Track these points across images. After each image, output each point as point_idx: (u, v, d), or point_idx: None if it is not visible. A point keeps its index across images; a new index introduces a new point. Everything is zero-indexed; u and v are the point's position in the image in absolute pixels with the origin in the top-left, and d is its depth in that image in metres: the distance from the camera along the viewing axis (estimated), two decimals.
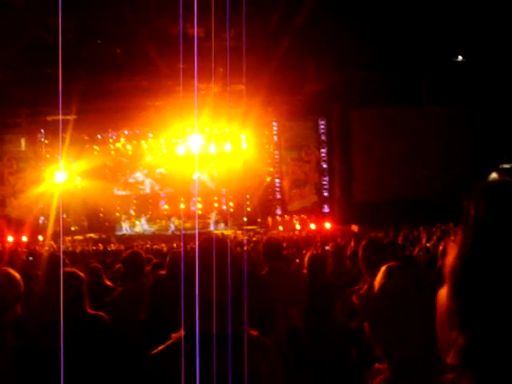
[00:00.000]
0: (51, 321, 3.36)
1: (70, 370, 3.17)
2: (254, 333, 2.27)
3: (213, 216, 29.27)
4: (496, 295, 1.58)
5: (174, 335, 2.26)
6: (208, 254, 2.20)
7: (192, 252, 2.27)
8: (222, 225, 29.27)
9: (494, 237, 1.65)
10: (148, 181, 31.39)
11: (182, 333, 2.22)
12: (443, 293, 1.77)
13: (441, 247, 7.34)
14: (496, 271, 1.59)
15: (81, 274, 4.04)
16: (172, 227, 29.13)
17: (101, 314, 4.01)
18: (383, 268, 3.30)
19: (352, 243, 9.55)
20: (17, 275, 3.86)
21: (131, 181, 31.47)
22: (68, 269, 4.26)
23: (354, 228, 19.77)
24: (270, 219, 27.94)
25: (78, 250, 17.15)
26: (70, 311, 3.75)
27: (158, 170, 30.99)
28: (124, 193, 31.47)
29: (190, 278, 2.19)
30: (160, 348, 2.26)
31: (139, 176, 31.39)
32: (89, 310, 3.96)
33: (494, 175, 24.52)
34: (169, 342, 2.26)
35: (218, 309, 2.13)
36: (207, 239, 2.30)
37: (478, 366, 1.56)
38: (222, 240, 2.27)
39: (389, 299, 2.29)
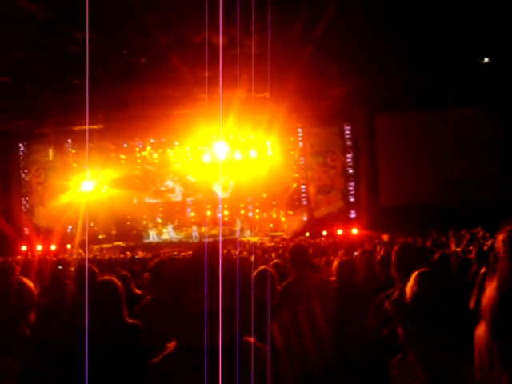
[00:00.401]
0: (89, 328, 3.37)
1: (105, 379, 3.19)
2: (250, 340, 2.24)
3: (238, 223, 29.31)
4: None
5: (168, 345, 2.24)
6: (202, 263, 2.18)
7: (193, 261, 2.27)
8: (247, 232, 29.31)
9: None
10: (178, 188, 31.50)
11: (177, 342, 2.21)
12: (481, 331, 1.74)
13: (473, 251, 7.29)
14: None
15: (117, 282, 4.06)
16: (194, 234, 29.26)
17: (138, 322, 4.02)
18: (415, 274, 3.28)
19: (382, 250, 9.50)
20: (30, 284, 3.88)
21: (162, 189, 31.59)
22: (106, 277, 4.27)
23: (385, 237, 19.60)
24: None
25: (106, 257, 17.27)
26: (109, 319, 3.78)
27: (187, 177, 31.09)
28: (155, 201, 31.61)
29: (184, 288, 2.19)
30: (157, 358, 2.25)
31: (170, 184, 31.50)
32: (127, 319, 3.97)
33: None
34: (165, 352, 2.24)
35: (211, 319, 2.11)
36: (200, 249, 2.28)
37: None
38: (215, 249, 2.24)
39: (421, 306, 2.28)
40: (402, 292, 3.83)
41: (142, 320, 4.15)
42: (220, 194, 30.64)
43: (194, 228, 29.59)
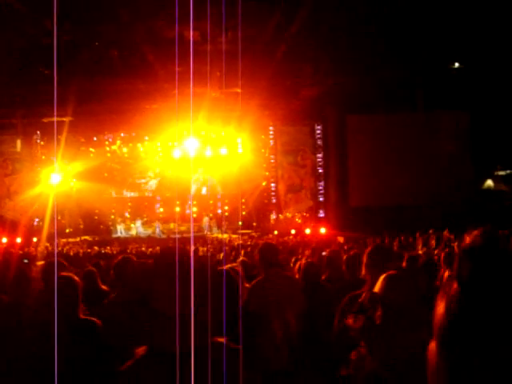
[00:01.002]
0: (46, 324, 3.35)
1: (61, 373, 3.16)
2: (221, 340, 2.22)
3: (205, 221, 29.27)
4: (482, 356, 1.57)
5: (137, 350, 2.20)
6: (171, 261, 2.14)
7: (152, 259, 2.24)
8: (215, 228, 29.29)
9: (478, 298, 1.64)
10: (153, 182, 31.47)
11: (145, 348, 2.18)
12: (433, 347, 1.75)
13: (443, 254, 7.36)
14: (481, 332, 1.58)
15: (76, 278, 4.04)
16: (158, 230, 29.21)
17: (93, 319, 4.00)
18: (383, 276, 3.30)
19: (341, 252, 9.55)
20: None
21: (138, 182, 31.51)
22: (64, 273, 4.24)
23: (340, 239, 19.70)
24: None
25: (72, 252, 17.10)
26: (63, 315, 3.75)
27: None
28: (132, 194, 31.50)
29: (152, 288, 2.17)
30: (127, 364, 2.19)
31: (148, 177, 31.45)
32: (81, 315, 3.95)
33: (489, 182, 24.63)
34: (135, 358, 2.19)
35: (181, 321, 2.08)
36: (169, 247, 2.25)
37: None
38: (182, 250, 2.21)
39: (391, 310, 2.28)
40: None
41: (105, 318, 4.12)
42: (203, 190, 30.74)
43: (158, 224, 29.50)
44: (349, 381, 2.94)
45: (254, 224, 28.92)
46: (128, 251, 16.05)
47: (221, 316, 2.20)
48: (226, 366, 2.08)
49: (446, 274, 5.36)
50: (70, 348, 3.68)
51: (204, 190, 31.21)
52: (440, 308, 1.68)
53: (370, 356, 2.29)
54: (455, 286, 1.69)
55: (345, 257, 6.55)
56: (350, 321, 2.74)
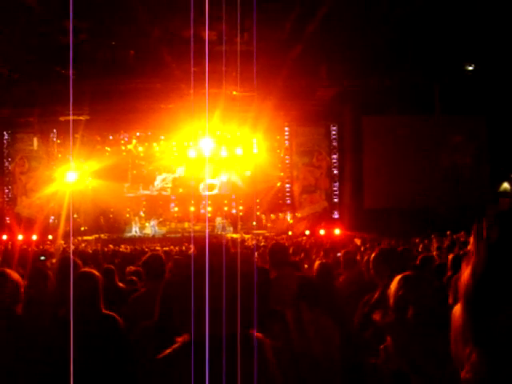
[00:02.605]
0: (66, 318, 3.38)
1: (81, 367, 3.19)
2: (258, 335, 2.26)
3: (218, 220, 29.30)
4: (508, 313, 1.60)
5: (178, 339, 2.25)
6: (216, 256, 2.20)
7: (198, 255, 2.28)
8: (230, 228, 29.30)
9: (505, 259, 1.67)
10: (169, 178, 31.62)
11: (187, 337, 2.22)
12: (457, 309, 1.79)
13: (450, 257, 7.30)
14: (508, 291, 1.61)
15: (97, 273, 4.08)
16: (154, 229, 29.32)
17: (113, 314, 4.04)
18: (398, 278, 3.29)
19: (357, 254, 9.53)
20: (15, 275, 3.84)
21: (156, 183, 31.61)
22: (86, 268, 4.29)
23: (357, 241, 19.67)
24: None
25: (90, 250, 17.17)
26: (85, 310, 3.79)
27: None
28: (147, 192, 31.60)
29: (197, 282, 2.19)
30: (167, 352, 2.26)
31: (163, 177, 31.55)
32: (103, 310, 3.99)
33: (505, 185, 24.48)
34: (175, 346, 2.25)
35: (223, 312, 2.14)
36: (216, 242, 2.31)
37: (491, 381, 1.58)
38: (230, 243, 2.27)
39: (408, 312, 2.29)
40: (383, 294, 3.86)
41: (135, 311, 4.17)
42: (239, 183, 30.74)
43: (152, 223, 29.60)
44: (375, 371, 2.94)
45: (269, 224, 28.91)
46: (147, 250, 16.08)
47: (253, 309, 2.24)
48: (259, 359, 2.13)
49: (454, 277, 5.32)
50: (93, 342, 3.72)
51: (216, 190, 31.21)
52: (467, 271, 1.72)
53: (396, 352, 2.30)
54: (483, 248, 1.74)
55: (365, 258, 6.53)
56: (377, 316, 2.75)
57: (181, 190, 31.28)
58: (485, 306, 1.64)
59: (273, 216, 28.59)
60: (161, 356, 2.27)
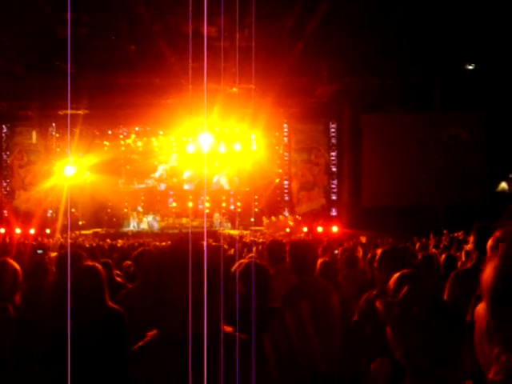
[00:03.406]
0: (72, 314, 3.38)
1: (87, 360, 3.19)
2: (229, 329, 2.25)
3: (215, 216, 29.30)
4: None
5: (148, 333, 2.26)
6: (183, 252, 2.19)
7: (166, 251, 2.29)
8: (228, 224, 29.30)
9: None
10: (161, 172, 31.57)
11: (157, 331, 2.23)
12: (481, 309, 1.77)
13: (443, 256, 7.30)
14: None
15: (100, 267, 4.08)
16: (152, 223, 29.31)
17: (119, 308, 4.05)
18: (397, 275, 3.30)
19: (360, 251, 9.53)
20: (15, 265, 3.85)
21: (156, 175, 31.58)
22: (89, 262, 4.30)
23: (362, 239, 19.69)
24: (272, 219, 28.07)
25: (87, 244, 17.18)
26: (91, 303, 3.80)
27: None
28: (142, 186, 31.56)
29: (165, 278, 2.20)
30: (137, 345, 2.26)
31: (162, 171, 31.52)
32: (110, 303, 4.00)
33: (503, 185, 24.50)
34: (145, 340, 2.26)
35: (194, 308, 2.12)
36: (182, 238, 2.31)
37: None
38: (193, 239, 2.26)
39: (412, 308, 2.29)
40: (382, 291, 3.86)
41: (124, 308, 4.17)
42: (226, 186, 30.72)
43: (150, 218, 29.60)
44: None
45: (267, 221, 28.90)
46: (143, 245, 16.08)
47: (230, 306, 2.24)
48: (232, 356, 2.13)
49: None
50: (101, 335, 3.72)
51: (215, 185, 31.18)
52: (491, 269, 1.69)
53: (394, 344, 2.30)
54: (505, 246, 1.72)
55: (369, 256, 6.53)
56: (378, 303, 2.75)
57: (175, 180, 31.26)
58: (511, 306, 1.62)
59: (273, 218, 28.56)
60: (132, 350, 2.27)
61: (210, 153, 28.29)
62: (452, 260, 6.69)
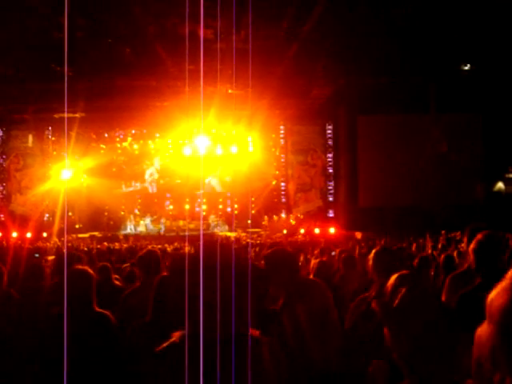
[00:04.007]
0: (61, 316, 3.37)
1: (74, 365, 3.18)
2: (255, 333, 2.26)
3: (211, 219, 29.28)
4: None
5: (174, 334, 2.26)
6: (211, 255, 2.20)
7: (195, 253, 2.28)
8: (223, 227, 29.28)
9: None
10: (150, 175, 31.48)
11: (183, 332, 2.23)
12: (484, 330, 1.72)
13: (442, 257, 7.30)
14: None
15: (91, 271, 4.07)
16: (162, 227, 29.26)
17: (107, 312, 4.04)
18: (394, 276, 3.29)
19: (356, 250, 9.54)
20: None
21: (146, 177, 31.50)
22: (79, 266, 4.29)
23: (358, 235, 19.76)
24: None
25: (85, 248, 17.16)
26: (78, 308, 3.79)
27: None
28: (136, 187, 31.48)
29: (193, 280, 2.19)
30: (162, 346, 2.27)
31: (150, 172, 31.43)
32: (96, 308, 3.99)
33: (500, 185, 24.54)
34: (170, 341, 2.26)
35: (221, 310, 2.13)
36: (211, 240, 2.31)
37: None
38: (225, 241, 2.27)
39: (410, 309, 2.28)
40: (380, 292, 3.86)
41: (125, 308, 4.16)
42: (217, 188, 30.69)
43: (162, 220, 29.57)
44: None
45: (264, 223, 28.90)
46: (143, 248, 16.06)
47: (247, 307, 2.24)
48: (257, 358, 2.13)
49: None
50: (86, 340, 3.71)
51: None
52: (502, 291, 1.65)
53: (390, 345, 2.29)
54: None
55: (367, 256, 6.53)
56: (374, 304, 2.74)
57: (162, 182, 31.25)
58: None
59: (275, 217, 28.56)
60: (157, 350, 2.27)
61: (200, 155, 28.25)
62: (451, 260, 6.69)
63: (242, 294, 2.19)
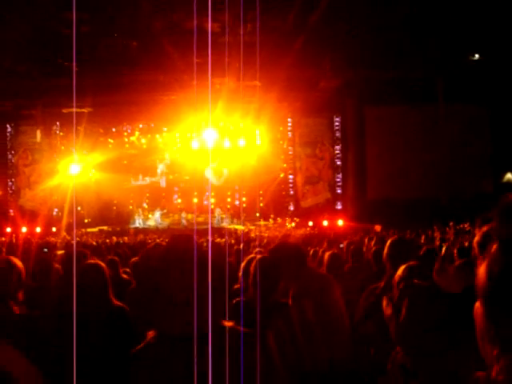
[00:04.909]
0: (76, 310, 3.38)
1: (91, 359, 3.19)
2: (229, 324, 2.21)
3: (216, 212, 29.26)
4: None
5: (149, 333, 2.22)
6: (180, 249, 2.18)
7: (162, 247, 2.26)
8: (228, 220, 29.27)
9: None
10: (161, 169, 31.49)
11: (154, 332, 2.20)
12: (478, 308, 1.74)
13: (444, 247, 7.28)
14: None
15: (103, 265, 4.07)
16: (183, 221, 29.22)
17: (124, 306, 4.04)
18: (402, 268, 3.30)
19: (373, 241, 9.51)
20: (19, 263, 3.87)
21: (158, 171, 31.53)
22: (91, 261, 4.29)
23: (377, 228, 19.70)
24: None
25: (94, 242, 17.21)
26: (96, 302, 3.79)
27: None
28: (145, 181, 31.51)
29: (164, 274, 2.17)
30: (139, 347, 2.23)
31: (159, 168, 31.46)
32: (114, 301, 3.99)
33: (509, 175, 24.43)
34: (146, 341, 2.22)
35: (190, 306, 2.09)
36: (178, 236, 2.29)
37: None
38: (190, 236, 2.24)
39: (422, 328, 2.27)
40: (388, 284, 3.86)
41: (128, 305, 4.16)
42: (213, 180, 30.62)
43: (183, 215, 29.55)
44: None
45: (272, 216, 28.91)
46: (148, 242, 16.10)
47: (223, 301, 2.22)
48: (236, 350, 2.11)
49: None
50: (106, 334, 3.72)
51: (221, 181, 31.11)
52: (482, 268, 1.67)
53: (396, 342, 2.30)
54: (495, 245, 1.69)
55: (374, 249, 6.52)
56: (384, 303, 2.75)
57: (171, 177, 31.26)
58: (505, 308, 1.60)
59: (271, 221, 28.58)
60: (134, 351, 2.24)
61: (208, 148, 28.23)
62: (464, 252, 6.67)
63: (216, 287, 2.16)
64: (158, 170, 31.39)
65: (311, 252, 9.17)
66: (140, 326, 3.87)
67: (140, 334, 2.29)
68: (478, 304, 1.69)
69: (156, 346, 2.16)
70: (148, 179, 31.51)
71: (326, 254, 6.35)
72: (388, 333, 3.01)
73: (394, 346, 2.62)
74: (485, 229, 3.34)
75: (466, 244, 7.59)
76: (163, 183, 31.53)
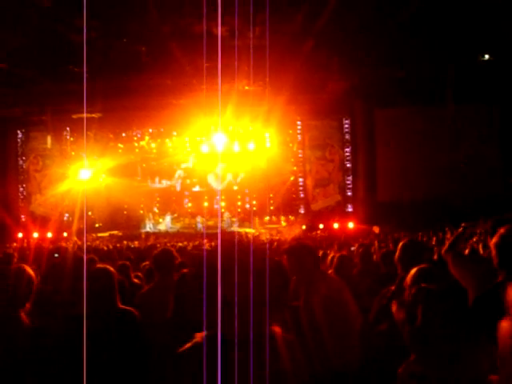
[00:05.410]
0: (83, 314, 3.39)
1: (98, 363, 3.19)
2: (277, 330, 2.24)
3: (225, 215, 29.27)
4: None
5: (198, 334, 2.24)
6: (230, 252, 2.18)
7: (214, 251, 2.26)
8: (236, 224, 29.26)
9: None
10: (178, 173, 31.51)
11: (205, 333, 2.21)
12: (506, 325, 1.71)
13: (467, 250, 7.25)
14: None
15: (112, 269, 4.09)
16: (199, 225, 29.26)
17: (131, 309, 4.05)
18: (413, 271, 3.28)
19: (375, 244, 9.50)
20: (31, 272, 3.90)
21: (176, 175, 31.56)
22: (100, 265, 4.31)
23: (376, 229, 19.67)
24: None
25: (105, 247, 17.25)
26: (101, 306, 3.81)
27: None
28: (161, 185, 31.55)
29: (213, 278, 2.17)
30: (185, 347, 2.25)
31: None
32: (120, 305, 4.00)
33: None
34: (193, 341, 2.24)
35: (241, 308, 2.12)
36: (229, 238, 2.29)
37: None
38: (243, 238, 2.24)
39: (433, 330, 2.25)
40: (400, 287, 3.84)
41: (142, 307, 4.17)
42: (214, 185, 30.65)
43: (199, 219, 29.61)
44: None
45: (283, 219, 28.90)
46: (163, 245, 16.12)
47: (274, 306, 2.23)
48: (280, 355, 2.11)
49: None
50: (112, 338, 3.73)
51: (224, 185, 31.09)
52: None
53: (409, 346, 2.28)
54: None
55: (383, 251, 6.51)
56: (394, 308, 2.73)
57: (188, 181, 31.26)
58: None
59: (291, 217, 28.59)
60: (180, 351, 2.26)
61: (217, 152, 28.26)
62: (476, 253, 6.66)
63: (260, 291, 2.16)
64: (176, 174, 31.41)
65: (320, 254, 9.16)
66: (185, 329, 3.89)
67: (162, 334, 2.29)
68: (504, 321, 1.65)
69: (204, 347, 2.17)
70: (164, 182, 31.56)
71: (335, 256, 6.35)
72: (397, 337, 2.99)
73: (406, 350, 2.60)
74: (503, 231, 3.31)
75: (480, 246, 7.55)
76: (178, 187, 31.55)
